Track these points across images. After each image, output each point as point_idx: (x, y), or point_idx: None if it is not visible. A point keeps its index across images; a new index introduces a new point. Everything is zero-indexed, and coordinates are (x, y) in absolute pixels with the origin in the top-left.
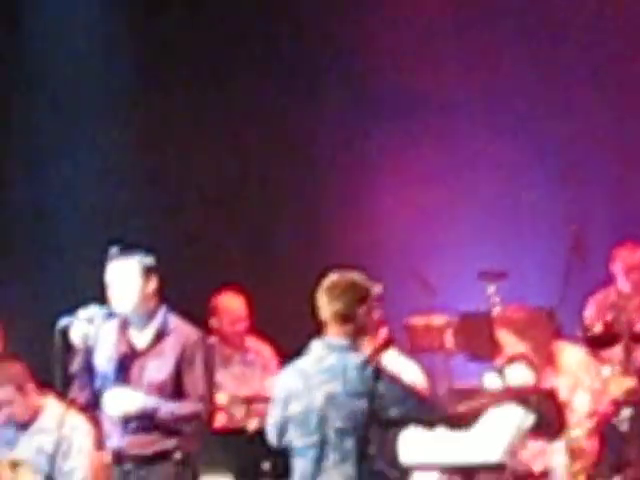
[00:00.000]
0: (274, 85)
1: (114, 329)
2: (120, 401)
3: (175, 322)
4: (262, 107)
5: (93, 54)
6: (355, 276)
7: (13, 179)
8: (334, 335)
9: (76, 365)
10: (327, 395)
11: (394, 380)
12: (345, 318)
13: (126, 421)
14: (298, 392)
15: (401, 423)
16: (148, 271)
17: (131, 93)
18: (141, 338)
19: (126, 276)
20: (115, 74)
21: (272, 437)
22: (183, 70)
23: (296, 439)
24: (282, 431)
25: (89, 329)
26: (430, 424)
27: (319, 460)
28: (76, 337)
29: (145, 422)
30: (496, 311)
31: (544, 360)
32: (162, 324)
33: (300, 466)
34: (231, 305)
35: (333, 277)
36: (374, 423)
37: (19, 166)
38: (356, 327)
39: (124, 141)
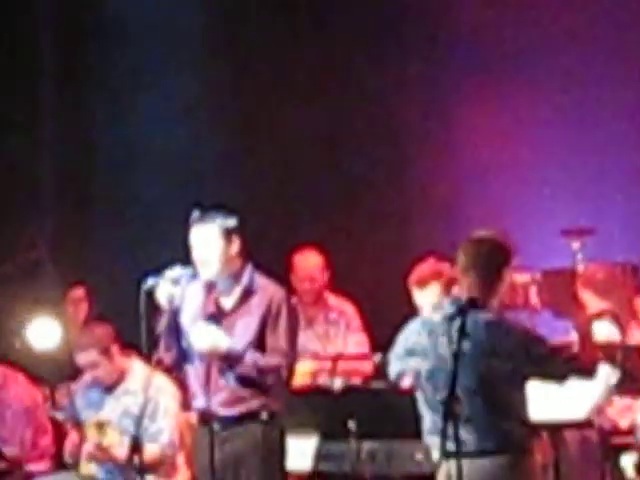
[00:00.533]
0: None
1: (200, 289)
2: (209, 335)
3: (261, 281)
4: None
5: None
6: (501, 237)
7: (95, 139)
8: (467, 291)
9: (162, 326)
10: (455, 354)
11: (525, 338)
12: (484, 276)
13: (211, 362)
14: (425, 349)
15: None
16: (229, 234)
17: (219, 43)
18: (228, 298)
19: (207, 241)
20: (199, 25)
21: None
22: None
23: (426, 393)
24: (399, 378)
25: (175, 290)
26: (563, 377)
27: (448, 417)
28: (162, 298)
29: (229, 368)
30: (581, 268)
31: (628, 317)
32: (248, 283)
33: (431, 419)
34: (305, 262)
35: (481, 233)
36: (503, 382)
37: (102, 124)
38: (494, 289)
39: (213, 99)
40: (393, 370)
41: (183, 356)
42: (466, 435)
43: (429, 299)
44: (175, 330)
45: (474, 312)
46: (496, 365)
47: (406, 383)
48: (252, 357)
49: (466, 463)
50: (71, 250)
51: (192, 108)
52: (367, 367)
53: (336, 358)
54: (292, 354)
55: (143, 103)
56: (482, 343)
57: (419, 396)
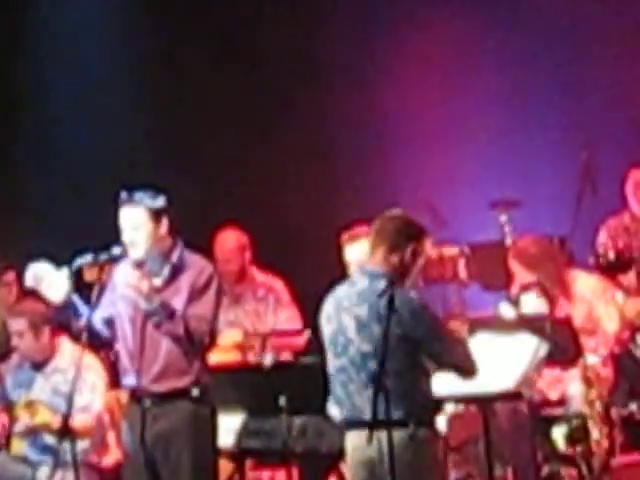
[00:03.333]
0: None
1: (129, 267)
2: (138, 279)
3: (191, 258)
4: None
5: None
6: (415, 218)
7: (22, 118)
8: (375, 263)
9: (92, 303)
10: (354, 318)
11: (418, 308)
12: (390, 248)
13: (147, 315)
14: (330, 315)
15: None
16: (157, 215)
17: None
18: (158, 277)
19: (135, 223)
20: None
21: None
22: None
23: (329, 362)
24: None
25: (104, 268)
26: (447, 364)
27: (346, 383)
28: (92, 277)
29: (161, 320)
30: (509, 240)
31: (558, 290)
32: (178, 262)
33: (333, 390)
34: (220, 245)
35: (394, 211)
36: (396, 348)
37: (28, 103)
38: (399, 262)
39: (141, 79)
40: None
41: (113, 333)
42: (364, 404)
43: (357, 255)
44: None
45: (376, 280)
46: (387, 330)
47: None
48: (179, 313)
49: (361, 434)
50: None
51: (121, 89)
52: (300, 341)
53: (267, 335)
54: (214, 324)
55: (71, 84)
56: (377, 309)
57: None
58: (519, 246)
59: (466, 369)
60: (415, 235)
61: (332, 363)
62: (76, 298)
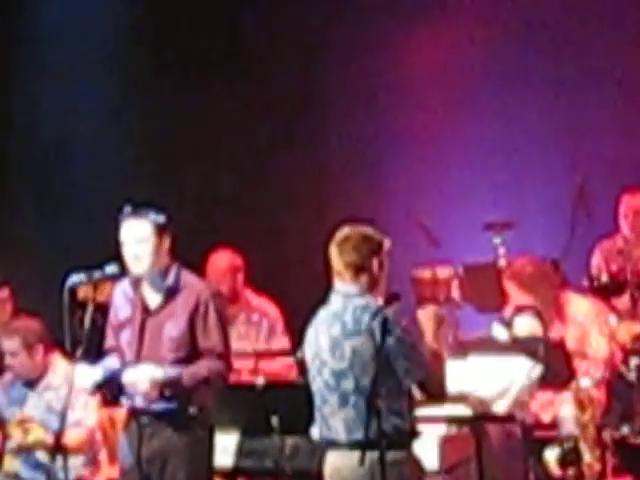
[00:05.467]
0: None
1: (127, 287)
2: (143, 374)
3: (187, 278)
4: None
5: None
6: (367, 229)
7: (17, 135)
8: (346, 282)
9: (88, 322)
10: (329, 338)
11: (392, 319)
12: (358, 269)
13: (159, 394)
14: (310, 341)
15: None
16: (161, 230)
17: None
18: (155, 297)
19: (140, 237)
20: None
21: None
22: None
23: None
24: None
25: (98, 287)
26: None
27: (321, 406)
28: (85, 295)
29: (172, 390)
30: (502, 262)
31: (552, 313)
32: (174, 282)
33: (315, 416)
34: (211, 266)
35: (345, 230)
36: (370, 364)
37: (25, 115)
38: (368, 279)
39: (138, 100)
40: None
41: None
42: (337, 425)
43: None
44: (102, 327)
45: (349, 299)
46: (361, 344)
47: None
48: (189, 373)
49: (337, 454)
50: None
51: (120, 107)
52: (288, 370)
53: (258, 356)
54: (227, 352)
55: (71, 99)
56: (348, 324)
57: None
58: (515, 267)
59: (428, 388)
60: (376, 249)
61: (312, 386)
62: (106, 372)
